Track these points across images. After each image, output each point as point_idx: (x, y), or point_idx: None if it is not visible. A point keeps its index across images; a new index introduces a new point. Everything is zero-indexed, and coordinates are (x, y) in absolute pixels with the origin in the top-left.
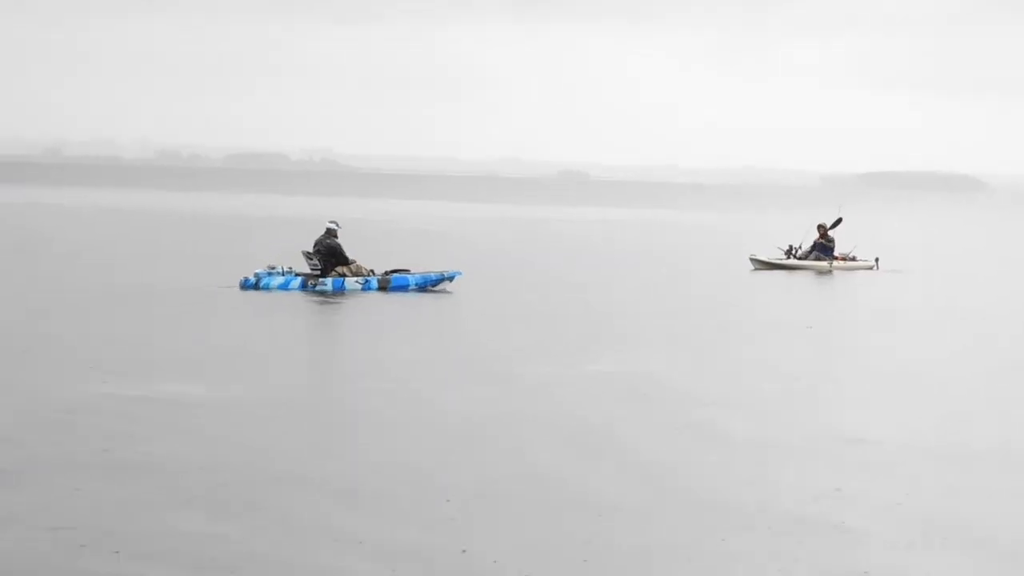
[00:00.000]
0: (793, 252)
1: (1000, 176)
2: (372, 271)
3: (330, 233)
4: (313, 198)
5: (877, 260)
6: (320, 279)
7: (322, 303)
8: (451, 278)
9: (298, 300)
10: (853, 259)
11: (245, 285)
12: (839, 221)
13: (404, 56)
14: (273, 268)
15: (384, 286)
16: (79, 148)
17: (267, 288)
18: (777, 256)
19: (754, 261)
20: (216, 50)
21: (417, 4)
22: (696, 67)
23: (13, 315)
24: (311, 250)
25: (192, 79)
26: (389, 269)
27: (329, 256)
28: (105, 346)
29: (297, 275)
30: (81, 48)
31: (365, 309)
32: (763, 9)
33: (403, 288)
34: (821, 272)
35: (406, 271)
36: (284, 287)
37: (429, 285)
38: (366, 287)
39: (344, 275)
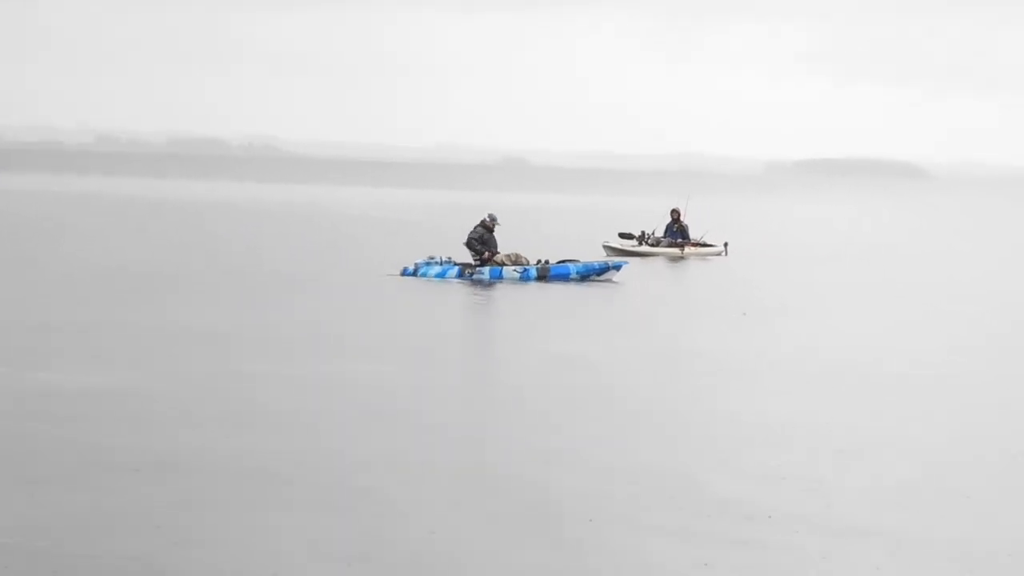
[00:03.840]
0: (645, 238)
1: (940, 164)
2: (541, 260)
3: (484, 225)
4: (261, 184)
5: (726, 245)
6: (477, 268)
7: (472, 290)
8: (617, 267)
9: (451, 288)
10: (704, 244)
11: (404, 273)
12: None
13: (343, 42)
14: (432, 258)
15: (543, 275)
16: (18, 133)
17: (425, 276)
18: (629, 243)
19: (607, 248)
20: (154, 34)
21: None
22: (639, 54)
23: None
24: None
25: (130, 63)
26: (560, 259)
27: (476, 245)
28: (299, 329)
29: (455, 264)
30: (16, 32)
31: (514, 297)
32: None
33: (564, 278)
34: (674, 258)
35: (574, 261)
36: (441, 276)
37: (592, 275)
38: (524, 276)
39: (502, 264)
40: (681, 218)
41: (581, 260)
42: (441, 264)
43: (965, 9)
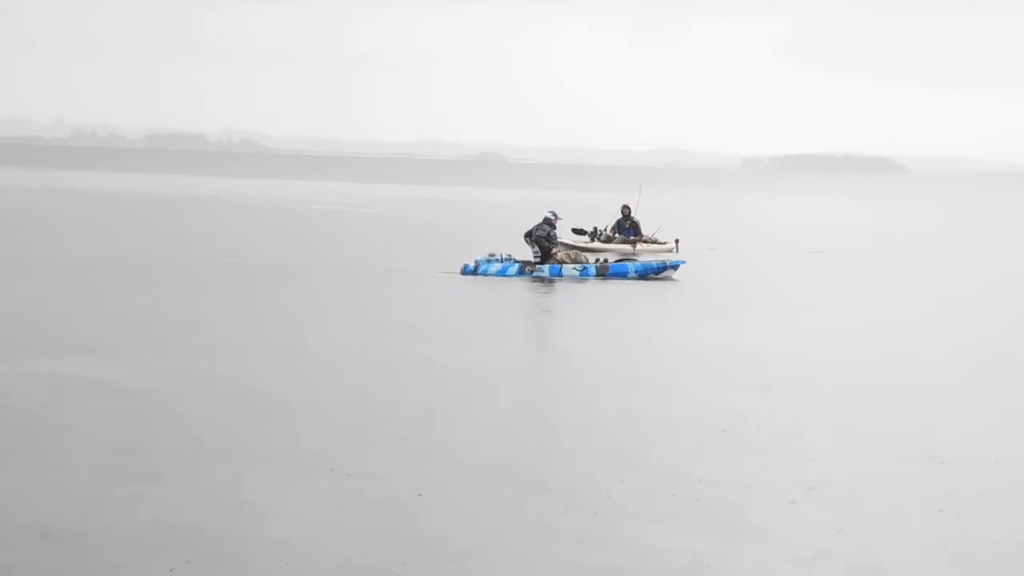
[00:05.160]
0: (597, 235)
1: (918, 159)
2: (600, 258)
3: (548, 222)
4: (244, 180)
5: (677, 242)
6: (537, 266)
7: (535, 288)
8: (675, 266)
9: (514, 285)
10: (655, 241)
11: (465, 271)
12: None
13: (322, 36)
14: (493, 255)
15: (603, 273)
16: None
17: (485, 274)
18: (581, 239)
19: (560, 244)
20: (132, 29)
21: None
22: (617, 49)
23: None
24: (526, 238)
25: (108, 58)
26: (619, 258)
27: (545, 243)
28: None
29: (515, 262)
30: None
31: (576, 294)
32: None
33: (623, 275)
34: (625, 255)
35: (632, 259)
36: (502, 273)
37: (651, 273)
38: (584, 274)
39: (563, 262)
40: (632, 214)
41: (639, 259)
42: (502, 261)
43: (946, 4)
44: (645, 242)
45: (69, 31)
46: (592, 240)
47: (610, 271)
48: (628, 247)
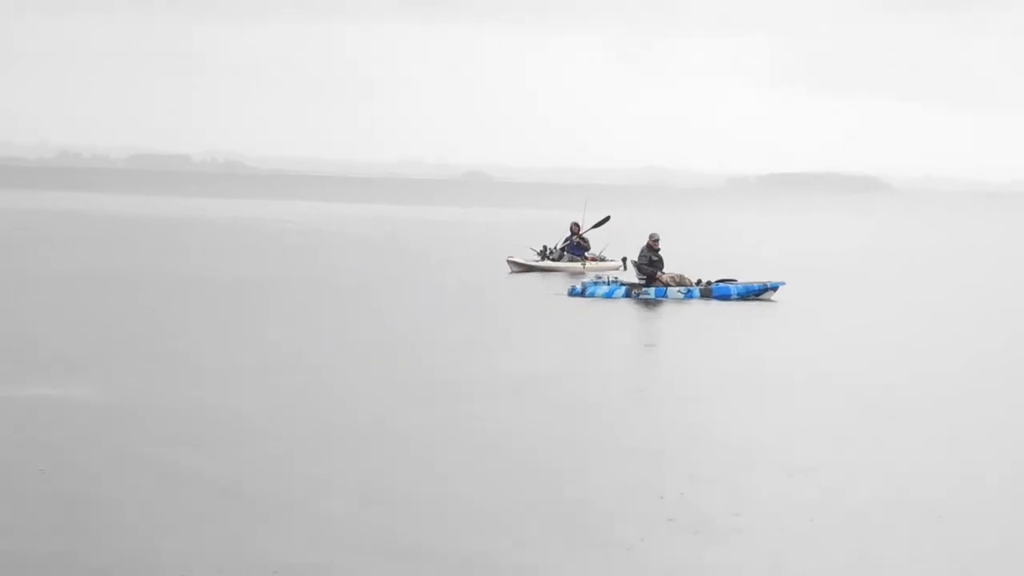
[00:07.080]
0: (548, 253)
1: (902, 178)
2: (701, 280)
3: (649, 247)
4: (232, 200)
5: (625, 260)
6: (643, 288)
7: (639, 308)
8: (775, 288)
9: (620, 306)
10: (603, 260)
11: (572, 293)
12: (606, 219)
13: (306, 56)
14: (599, 278)
15: (706, 295)
16: None
17: (593, 296)
18: (532, 257)
19: (511, 263)
20: (116, 49)
21: (318, 2)
22: (602, 68)
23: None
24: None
25: (91, 79)
26: (717, 279)
27: (647, 269)
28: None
29: (622, 284)
30: None
31: (678, 314)
32: (670, 8)
33: (725, 297)
34: (575, 273)
35: (732, 280)
36: (609, 295)
37: (752, 295)
38: (688, 296)
39: (667, 285)
40: (580, 231)
41: (740, 280)
42: (608, 284)
43: (933, 23)
44: (593, 260)
45: (52, 51)
46: (542, 259)
47: (713, 293)
48: (577, 265)
